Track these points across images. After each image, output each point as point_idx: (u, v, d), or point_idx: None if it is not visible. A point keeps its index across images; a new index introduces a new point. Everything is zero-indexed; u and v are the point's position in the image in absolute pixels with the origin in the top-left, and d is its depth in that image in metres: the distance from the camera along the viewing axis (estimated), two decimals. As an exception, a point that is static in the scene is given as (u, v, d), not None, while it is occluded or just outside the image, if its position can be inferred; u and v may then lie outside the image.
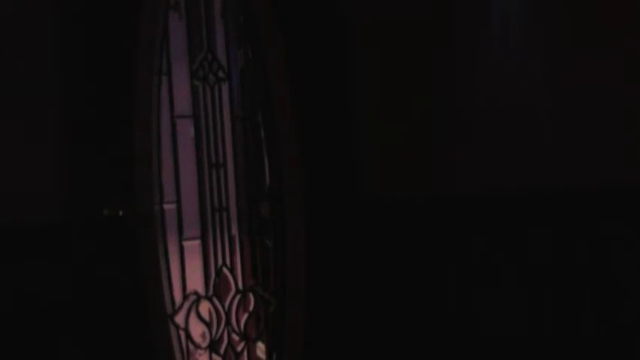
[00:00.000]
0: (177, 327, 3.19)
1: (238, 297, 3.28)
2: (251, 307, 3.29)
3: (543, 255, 3.08)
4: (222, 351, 3.26)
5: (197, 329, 3.24)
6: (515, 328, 3.14)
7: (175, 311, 3.19)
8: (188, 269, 3.21)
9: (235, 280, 3.28)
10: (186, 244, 3.22)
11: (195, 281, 3.25)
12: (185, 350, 3.22)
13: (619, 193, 2.92)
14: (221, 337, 3.26)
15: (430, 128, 3.27)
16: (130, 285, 3.07)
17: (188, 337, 3.21)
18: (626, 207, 2.92)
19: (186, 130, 3.25)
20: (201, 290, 3.24)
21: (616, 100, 2.96)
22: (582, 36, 3.00)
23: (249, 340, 3.30)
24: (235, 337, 3.28)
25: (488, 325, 3.17)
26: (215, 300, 3.25)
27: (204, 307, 3.25)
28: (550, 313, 3.08)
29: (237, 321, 3.27)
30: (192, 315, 3.21)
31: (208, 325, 3.24)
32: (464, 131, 3.24)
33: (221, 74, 3.29)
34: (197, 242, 3.24)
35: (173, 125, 3.22)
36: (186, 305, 3.20)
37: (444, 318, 3.27)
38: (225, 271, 3.27)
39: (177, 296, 3.20)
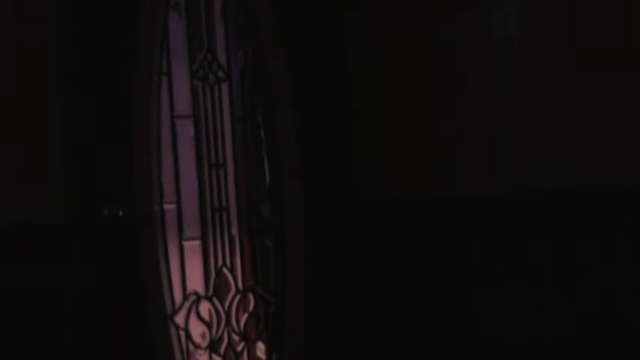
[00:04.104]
0: (177, 327, 3.19)
1: (238, 297, 3.28)
2: (251, 307, 3.29)
3: (544, 255, 3.08)
4: (222, 351, 3.26)
5: (197, 329, 3.24)
6: (515, 329, 3.14)
7: (175, 311, 3.19)
8: (188, 269, 3.21)
9: (235, 280, 3.28)
10: (186, 244, 3.22)
11: (195, 281, 3.25)
12: (185, 350, 3.21)
13: (620, 192, 2.93)
14: (221, 337, 3.26)
15: (430, 128, 3.27)
16: (130, 285, 3.07)
17: (188, 337, 3.21)
18: (626, 206, 2.93)
19: (186, 130, 3.25)
20: (201, 290, 3.24)
21: (616, 99, 2.96)
22: (583, 36, 3.01)
23: (249, 340, 3.30)
24: (235, 337, 3.28)
25: (488, 326, 3.18)
26: (215, 300, 3.25)
27: (204, 307, 3.24)
28: (551, 313, 3.09)
29: (237, 321, 3.27)
30: (192, 315, 3.21)
31: (208, 325, 3.24)
32: (464, 132, 3.24)
33: (221, 74, 3.29)
34: (197, 242, 3.24)
35: (173, 125, 3.22)
36: (186, 305, 3.20)
37: (443, 318, 3.27)
38: (225, 271, 3.27)
39: (177, 296, 3.20)
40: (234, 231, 3.30)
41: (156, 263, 3.16)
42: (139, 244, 3.13)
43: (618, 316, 2.96)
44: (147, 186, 3.16)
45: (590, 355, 3.00)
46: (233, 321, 3.27)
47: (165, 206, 3.19)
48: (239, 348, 3.28)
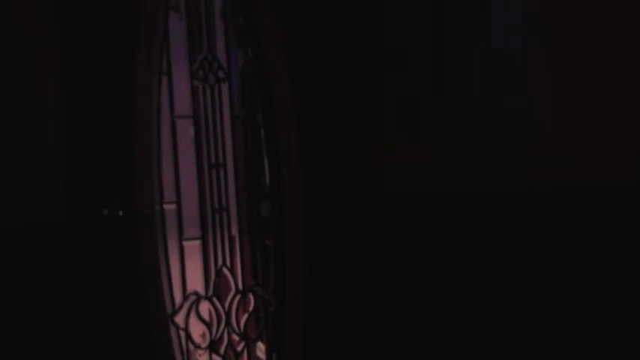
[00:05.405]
0: (177, 327, 3.19)
1: (238, 297, 3.28)
2: (251, 307, 3.29)
3: (543, 256, 3.09)
4: (222, 351, 3.26)
5: (197, 329, 3.24)
6: (514, 328, 3.15)
7: (175, 311, 3.19)
8: (188, 269, 3.22)
9: (235, 281, 3.28)
10: (186, 244, 3.22)
11: (195, 281, 3.25)
12: (185, 350, 3.22)
13: (620, 191, 2.94)
14: (221, 337, 3.26)
15: (431, 129, 3.27)
16: (130, 285, 3.08)
17: (188, 337, 3.21)
18: (627, 205, 2.94)
19: (186, 130, 3.26)
20: (201, 290, 3.25)
21: (616, 99, 2.97)
22: (584, 34, 3.01)
23: (249, 340, 3.30)
24: (235, 337, 3.29)
25: (491, 328, 3.18)
26: (215, 300, 3.25)
27: (204, 307, 3.25)
28: (549, 314, 3.09)
29: (237, 321, 3.27)
30: (192, 315, 3.21)
31: (208, 325, 3.24)
32: (464, 133, 3.24)
33: (221, 74, 3.29)
34: (197, 242, 3.24)
35: (173, 125, 3.22)
36: (186, 305, 3.21)
37: (444, 319, 3.27)
38: (225, 271, 3.27)
39: (177, 296, 3.20)
40: (234, 231, 3.30)
41: (156, 263, 3.16)
42: (138, 244, 3.13)
43: (618, 316, 2.96)
44: (147, 186, 3.16)
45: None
46: (233, 321, 3.27)
47: (166, 206, 3.20)
48: (239, 348, 3.28)
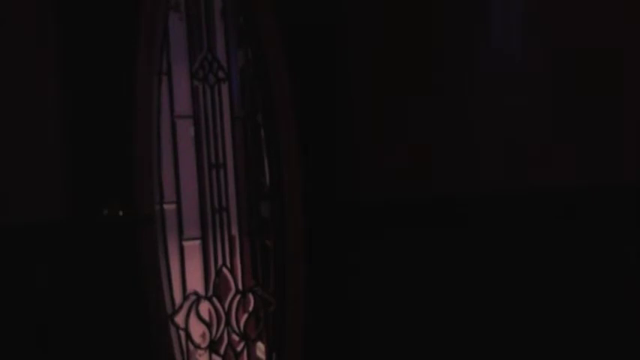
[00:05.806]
0: (177, 327, 3.19)
1: (238, 297, 3.28)
2: (251, 307, 3.29)
3: (543, 256, 3.09)
4: (222, 351, 3.26)
5: (197, 329, 3.24)
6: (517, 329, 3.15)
7: (175, 311, 3.19)
8: (188, 269, 3.22)
9: (235, 281, 3.28)
10: (186, 244, 3.22)
11: (195, 281, 3.25)
12: (185, 350, 3.22)
13: (620, 192, 2.94)
14: (221, 338, 3.26)
15: (431, 129, 3.27)
16: (130, 285, 3.08)
17: (188, 337, 3.21)
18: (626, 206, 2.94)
19: (186, 130, 3.25)
20: (201, 290, 3.25)
21: (616, 100, 2.97)
22: (584, 37, 3.01)
23: (249, 340, 3.30)
24: (235, 337, 3.29)
25: (491, 327, 3.18)
26: (215, 300, 3.25)
27: (204, 307, 3.25)
28: (550, 314, 3.09)
29: (237, 321, 3.27)
30: (192, 315, 3.21)
31: (208, 325, 3.24)
32: (463, 134, 3.24)
33: (221, 74, 3.29)
34: (197, 242, 3.24)
35: (173, 125, 3.22)
36: (186, 305, 3.21)
37: (443, 318, 3.27)
38: (225, 271, 3.27)
39: (177, 296, 3.20)
40: (234, 231, 3.30)
41: (156, 263, 3.16)
42: (139, 244, 3.13)
43: (618, 316, 2.96)
44: (147, 186, 3.16)
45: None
46: (233, 321, 3.27)
47: (166, 206, 3.19)
48: (239, 348, 3.28)
